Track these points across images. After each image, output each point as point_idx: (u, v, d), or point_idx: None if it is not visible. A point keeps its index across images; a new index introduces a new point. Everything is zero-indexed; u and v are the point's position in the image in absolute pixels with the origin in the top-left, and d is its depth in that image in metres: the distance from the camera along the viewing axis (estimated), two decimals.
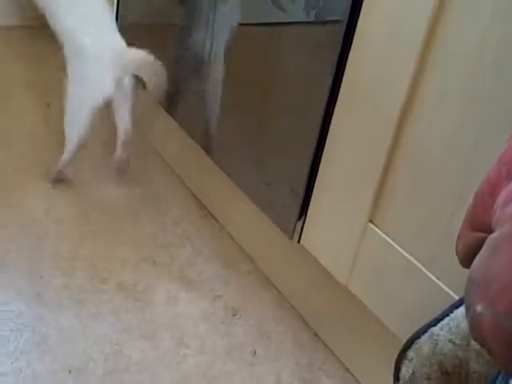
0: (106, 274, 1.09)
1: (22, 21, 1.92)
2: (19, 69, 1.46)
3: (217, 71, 1.15)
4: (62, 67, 1.20)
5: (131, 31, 1.41)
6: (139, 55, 1.15)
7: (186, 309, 1.06)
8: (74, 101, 1.17)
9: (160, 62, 1.16)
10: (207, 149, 1.19)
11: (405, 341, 0.77)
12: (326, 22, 0.91)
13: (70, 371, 0.91)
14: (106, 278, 1.09)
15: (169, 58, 1.30)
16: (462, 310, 0.69)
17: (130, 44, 1.22)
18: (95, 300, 1.04)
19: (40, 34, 1.85)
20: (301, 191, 0.96)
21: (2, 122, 1.41)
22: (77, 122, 1.18)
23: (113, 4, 1.43)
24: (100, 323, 1.00)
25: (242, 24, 1.12)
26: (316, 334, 1.06)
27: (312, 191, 0.94)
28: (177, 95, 1.28)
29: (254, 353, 1.02)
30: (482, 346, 0.45)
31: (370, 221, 0.86)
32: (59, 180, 1.26)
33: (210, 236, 1.23)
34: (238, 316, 1.07)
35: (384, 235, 0.84)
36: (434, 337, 0.71)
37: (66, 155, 1.22)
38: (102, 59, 1.15)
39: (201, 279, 1.13)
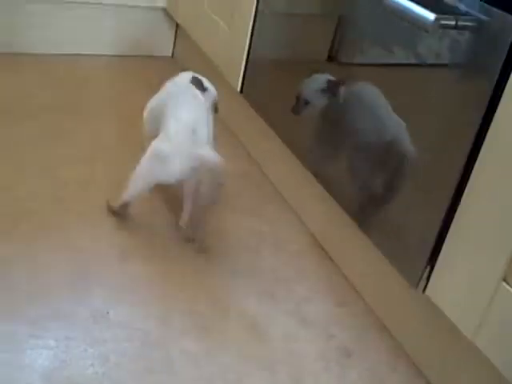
0: (227, 304, 1.14)
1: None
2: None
3: (343, 117, 1.19)
4: None
5: (261, 68, 1.49)
6: (212, 159, 1.17)
7: (302, 346, 1.09)
8: (141, 165, 1.21)
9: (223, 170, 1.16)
10: (333, 192, 1.22)
11: None
12: (472, 76, 0.93)
13: None
14: (228, 307, 1.13)
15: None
16: None
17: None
18: (217, 328, 1.08)
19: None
20: (431, 240, 0.97)
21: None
22: (139, 183, 1.22)
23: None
24: (223, 351, 1.04)
25: (370, 64, 1.16)
26: None
27: (443, 241, 0.95)
28: (302, 134, 1.33)
29: None
30: None
31: (504, 279, 0.86)
32: (119, 214, 1.29)
33: (326, 275, 1.26)
34: (351, 358, 1.09)
35: None
36: None
37: (125, 198, 1.25)
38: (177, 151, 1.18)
39: (316, 317, 1.15)
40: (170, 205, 1.35)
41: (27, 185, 1.34)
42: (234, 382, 0.99)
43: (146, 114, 1.33)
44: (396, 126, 1.06)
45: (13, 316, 1.02)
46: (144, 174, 1.21)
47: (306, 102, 1.24)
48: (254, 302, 1.16)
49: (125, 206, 1.26)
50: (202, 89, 1.30)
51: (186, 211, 1.27)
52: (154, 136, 1.23)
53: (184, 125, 1.19)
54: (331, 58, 1.26)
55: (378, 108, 1.10)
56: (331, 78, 1.21)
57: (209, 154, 1.17)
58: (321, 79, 1.22)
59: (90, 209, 1.30)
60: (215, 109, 1.34)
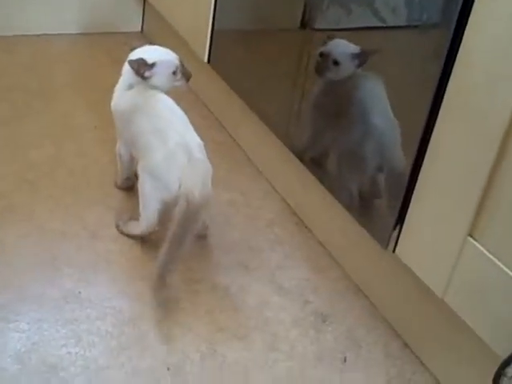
0: (200, 276, 1.13)
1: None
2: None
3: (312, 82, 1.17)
4: None
5: (227, 38, 1.47)
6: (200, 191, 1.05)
7: (277, 313, 1.09)
8: (145, 192, 1.14)
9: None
10: (302, 158, 1.21)
11: (503, 357, 0.77)
12: (430, 31, 0.92)
13: (168, 368, 0.96)
14: (201, 279, 1.13)
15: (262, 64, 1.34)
16: None
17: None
18: (191, 300, 1.08)
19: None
20: (398, 201, 0.96)
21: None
22: (149, 211, 1.14)
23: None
24: (196, 323, 1.04)
25: (341, 29, 1.14)
26: (406, 345, 1.06)
27: (410, 201, 0.95)
28: (273, 108, 1.31)
29: (344, 360, 1.03)
30: None
31: (470, 235, 0.86)
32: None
33: (300, 242, 1.26)
34: (327, 322, 1.09)
35: (484, 250, 0.84)
36: None
37: (141, 231, 1.18)
38: (173, 168, 1.09)
39: (291, 284, 1.15)
40: None
41: None
42: (209, 352, 0.99)
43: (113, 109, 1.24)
44: (388, 128, 1.03)
45: None
46: (151, 197, 1.13)
47: (336, 63, 1.13)
48: (228, 272, 1.15)
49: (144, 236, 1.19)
50: (148, 67, 1.16)
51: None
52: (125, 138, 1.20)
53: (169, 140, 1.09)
54: (304, 25, 1.24)
55: (377, 103, 1.06)
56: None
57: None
58: (351, 44, 1.13)
59: (59, 190, 1.29)
60: (186, 75, 1.21)
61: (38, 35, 1.92)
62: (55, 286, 1.06)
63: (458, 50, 0.85)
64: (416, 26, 0.95)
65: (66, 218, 1.21)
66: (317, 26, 1.22)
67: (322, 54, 1.14)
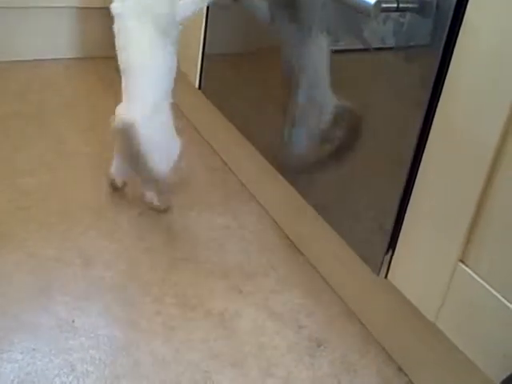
0: (195, 302, 1.13)
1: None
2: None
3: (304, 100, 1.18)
4: None
5: (218, 64, 1.48)
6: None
7: (272, 338, 1.09)
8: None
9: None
10: (294, 183, 1.22)
11: (495, 381, 0.77)
12: (417, 58, 0.93)
13: None
14: (195, 305, 1.13)
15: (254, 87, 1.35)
16: None
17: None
18: (185, 327, 1.08)
19: None
20: (389, 226, 0.97)
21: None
22: (118, 157, 1.28)
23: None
24: (191, 350, 1.03)
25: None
26: (401, 369, 1.06)
27: (401, 227, 0.96)
28: (265, 132, 1.32)
29: None
30: None
31: (461, 260, 0.86)
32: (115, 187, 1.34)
33: (293, 266, 1.26)
34: (322, 347, 1.09)
35: (475, 276, 0.84)
36: None
37: (110, 174, 1.32)
38: None
39: (285, 309, 1.15)
40: (133, 210, 1.35)
41: None
42: (203, 380, 0.99)
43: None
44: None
45: None
46: (117, 146, 1.25)
47: None
48: (221, 298, 1.15)
49: (113, 182, 1.31)
50: None
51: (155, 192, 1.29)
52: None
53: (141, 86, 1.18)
54: None
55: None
56: None
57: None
58: None
59: (53, 216, 1.29)
60: None
61: (31, 60, 1.94)
62: (49, 314, 1.06)
63: (445, 77, 0.86)
64: (403, 52, 0.96)
65: (59, 245, 1.21)
66: None
67: None
